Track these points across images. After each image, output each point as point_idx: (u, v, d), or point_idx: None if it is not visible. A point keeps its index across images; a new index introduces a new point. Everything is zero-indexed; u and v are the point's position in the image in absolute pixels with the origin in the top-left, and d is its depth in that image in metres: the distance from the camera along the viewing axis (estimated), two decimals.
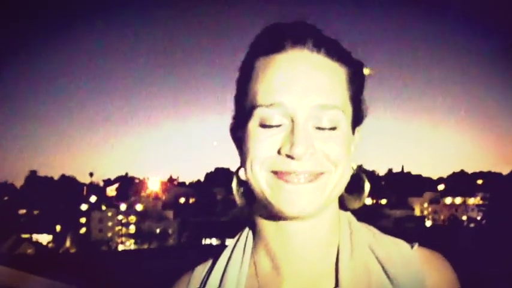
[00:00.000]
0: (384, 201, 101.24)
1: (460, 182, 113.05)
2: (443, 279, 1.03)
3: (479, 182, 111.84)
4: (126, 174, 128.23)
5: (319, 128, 0.95)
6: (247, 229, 1.13)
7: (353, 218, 1.11)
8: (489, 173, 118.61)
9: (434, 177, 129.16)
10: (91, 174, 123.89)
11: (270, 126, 0.95)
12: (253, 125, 0.97)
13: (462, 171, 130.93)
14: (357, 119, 1.05)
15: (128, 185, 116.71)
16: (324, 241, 1.05)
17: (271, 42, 1.00)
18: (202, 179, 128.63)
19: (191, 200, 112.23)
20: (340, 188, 1.02)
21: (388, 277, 1.00)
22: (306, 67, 0.96)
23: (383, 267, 1.02)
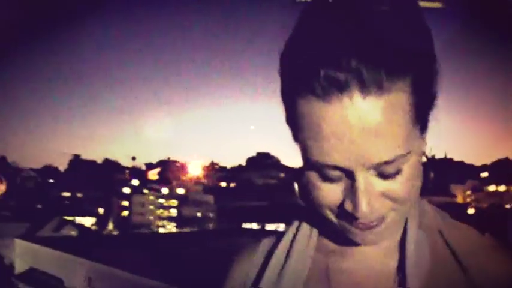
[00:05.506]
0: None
1: (504, 170, 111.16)
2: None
3: None
4: (168, 158, 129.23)
5: (382, 175, 0.84)
6: (306, 224, 1.07)
7: (424, 201, 1.04)
8: None
9: (478, 164, 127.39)
10: (133, 158, 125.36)
11: (328, 179, 0.86)
12: (311, 173, 0.88)
13: (507, 158, 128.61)
14: (427, 119, 0.90)
15: (170, 169, 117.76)
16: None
17: (315, 87, 0.79)
18: (243, 164, 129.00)
19: (232, 185, 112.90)
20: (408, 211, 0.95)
21: (458, 261, 0.95)
22: (358, 119, 0.79)
23: (452, 251, 0.96)
